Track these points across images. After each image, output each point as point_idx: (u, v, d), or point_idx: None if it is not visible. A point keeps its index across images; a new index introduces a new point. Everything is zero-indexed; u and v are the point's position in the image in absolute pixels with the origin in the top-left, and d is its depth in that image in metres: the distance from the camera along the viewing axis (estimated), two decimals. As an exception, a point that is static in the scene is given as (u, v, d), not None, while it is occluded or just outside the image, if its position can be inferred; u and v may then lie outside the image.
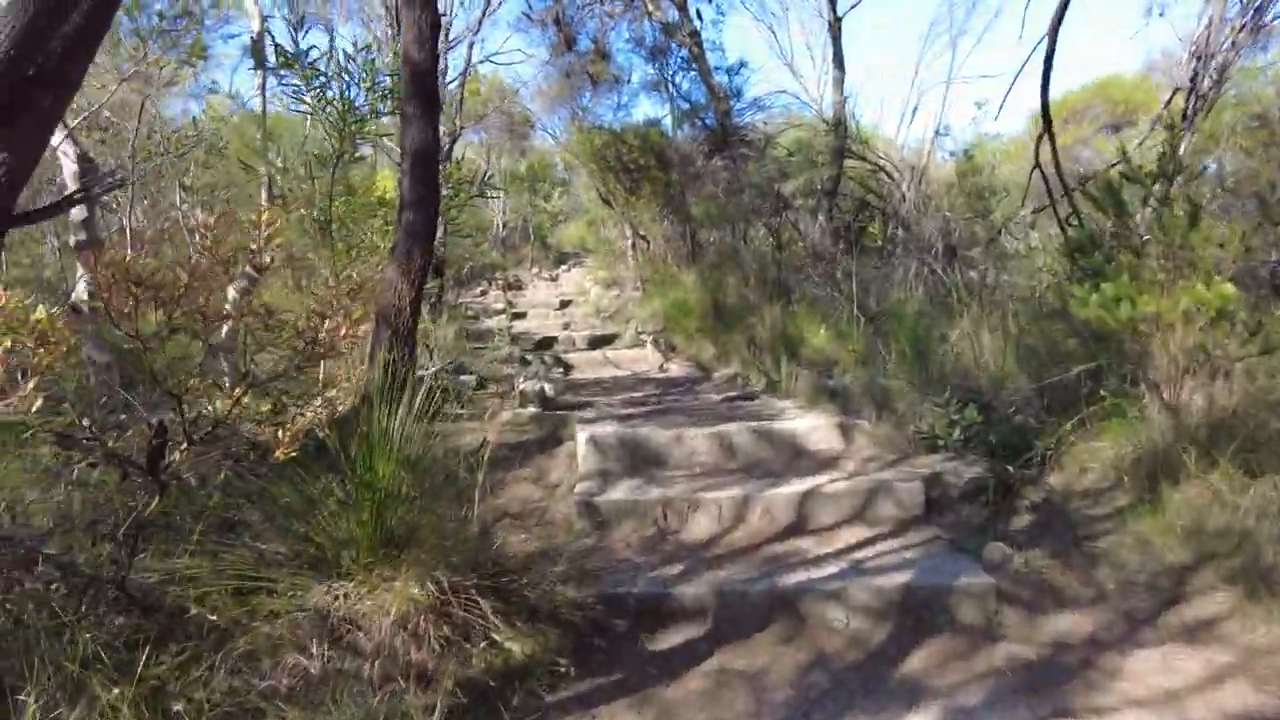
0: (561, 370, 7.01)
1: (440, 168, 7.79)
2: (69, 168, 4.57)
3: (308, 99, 4.14)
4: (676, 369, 6.94)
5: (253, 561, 2.29)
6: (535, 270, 14.68)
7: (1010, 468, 3.39)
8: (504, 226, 14.95)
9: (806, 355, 5.58)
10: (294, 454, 2.37)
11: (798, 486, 3.40)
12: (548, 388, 4.92)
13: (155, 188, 6.90)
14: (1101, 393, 3.52)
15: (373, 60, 4.21)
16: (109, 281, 2.09)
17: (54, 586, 2.10)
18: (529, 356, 7.15)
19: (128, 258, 2.14)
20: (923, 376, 4.21)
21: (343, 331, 2.50)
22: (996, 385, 3.95)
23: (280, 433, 2.76)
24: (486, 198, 7.99)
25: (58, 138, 4.40)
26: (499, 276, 12.11)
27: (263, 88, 6.16)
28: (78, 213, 4.52)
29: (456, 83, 9.60)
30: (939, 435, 3.78)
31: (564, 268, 15.90)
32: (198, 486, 2.70)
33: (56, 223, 7.42)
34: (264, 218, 2.45)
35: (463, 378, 5.36)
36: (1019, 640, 2.56)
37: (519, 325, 10.12)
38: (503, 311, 10.35)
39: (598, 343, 8.19)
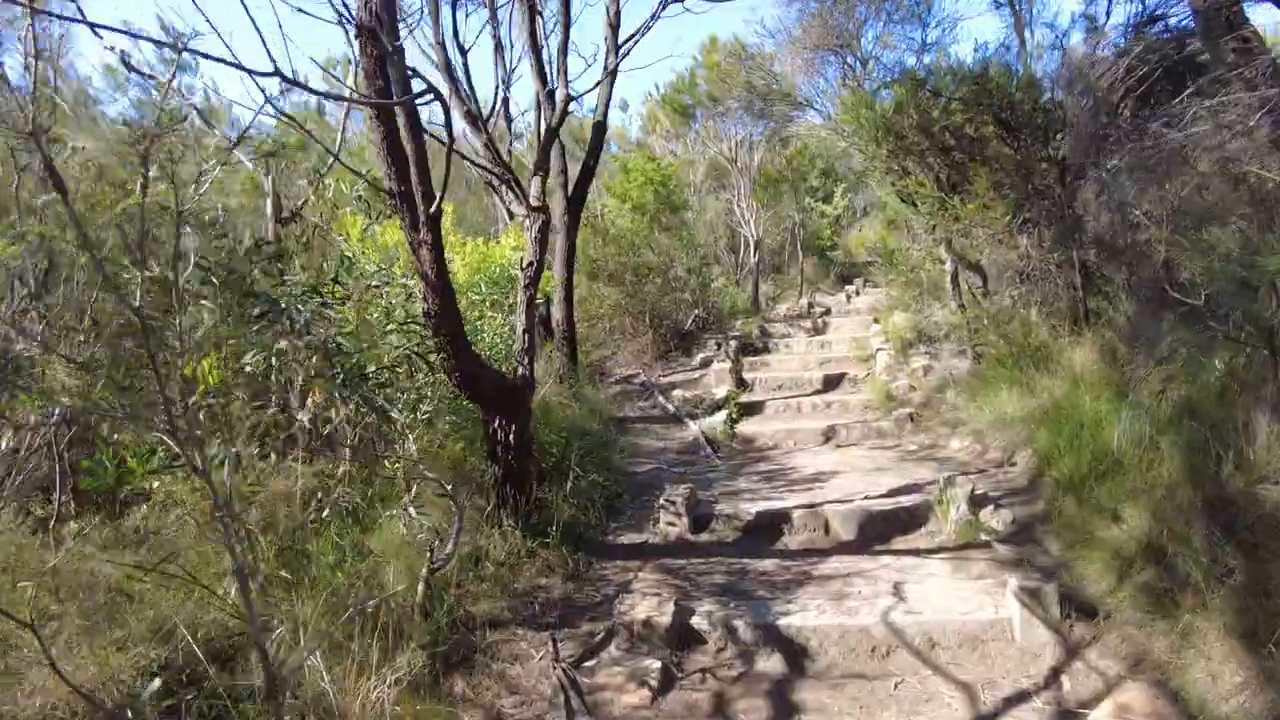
0: (779, 667, 2.82)
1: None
2: None
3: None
4: (1119, 741, 2.29)
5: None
6: (803, 303, 10.38)
7: None
8: (755, 248, 10.86)
9: None
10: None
11: None
12: None
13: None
14: None
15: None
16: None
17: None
18: (701, 618, 3.07)
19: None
20: None
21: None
22: None
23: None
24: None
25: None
26: (735, 333, 8.12)
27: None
28: None
29: (630, 43, 5.87)
30: None
31: (848, 292, 11.30)
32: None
33: None
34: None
35: None
36: None
37: (745, 428, 6.07)
38: (725, 404, 6.37)
39: (881, 529, 3.78)
